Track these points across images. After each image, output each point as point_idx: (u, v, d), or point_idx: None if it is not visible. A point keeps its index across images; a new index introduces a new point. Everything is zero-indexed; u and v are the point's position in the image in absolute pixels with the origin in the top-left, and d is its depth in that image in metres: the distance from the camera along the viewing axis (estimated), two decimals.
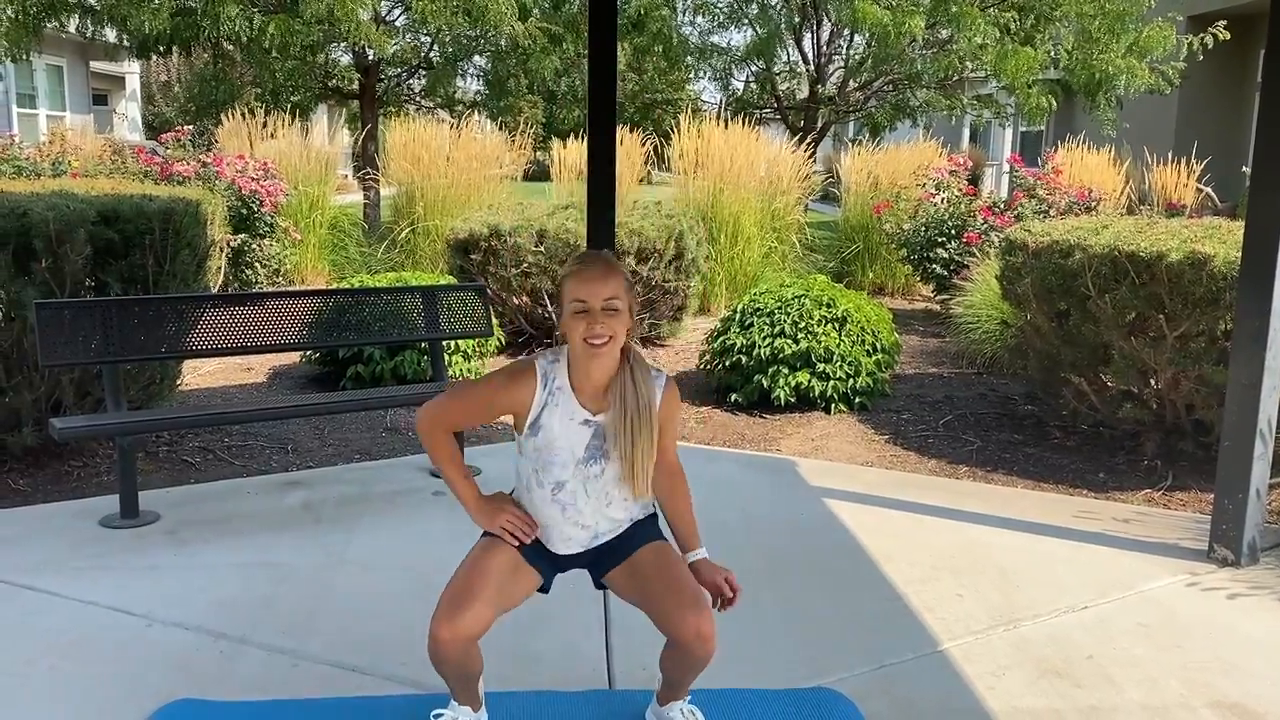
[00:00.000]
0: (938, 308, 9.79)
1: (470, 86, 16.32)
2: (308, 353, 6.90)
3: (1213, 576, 3.78)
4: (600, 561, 2.51)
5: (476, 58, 14.72)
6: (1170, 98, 13.07)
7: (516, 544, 2.43)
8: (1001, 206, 9.76)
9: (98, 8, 12.25)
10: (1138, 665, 3.10)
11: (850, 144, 13.12)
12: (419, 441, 5.46)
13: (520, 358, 2.41)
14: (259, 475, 4.86)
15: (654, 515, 2.56)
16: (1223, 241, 4.71)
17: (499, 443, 5.47)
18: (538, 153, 14.32)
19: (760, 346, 6.16)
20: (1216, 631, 3.33)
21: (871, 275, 11.51)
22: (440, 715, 2.50)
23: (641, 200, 9.07)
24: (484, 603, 2.31)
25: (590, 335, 2.28)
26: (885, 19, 11.68)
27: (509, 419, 2.44)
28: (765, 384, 6.12)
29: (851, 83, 15.14)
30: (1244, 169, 12.81)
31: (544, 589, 2.51)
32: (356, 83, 13.72)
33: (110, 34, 13.35)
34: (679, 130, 10.67)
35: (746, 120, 11.13)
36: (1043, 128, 18.08)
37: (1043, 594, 3.59)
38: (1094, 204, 9.62)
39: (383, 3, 13.78)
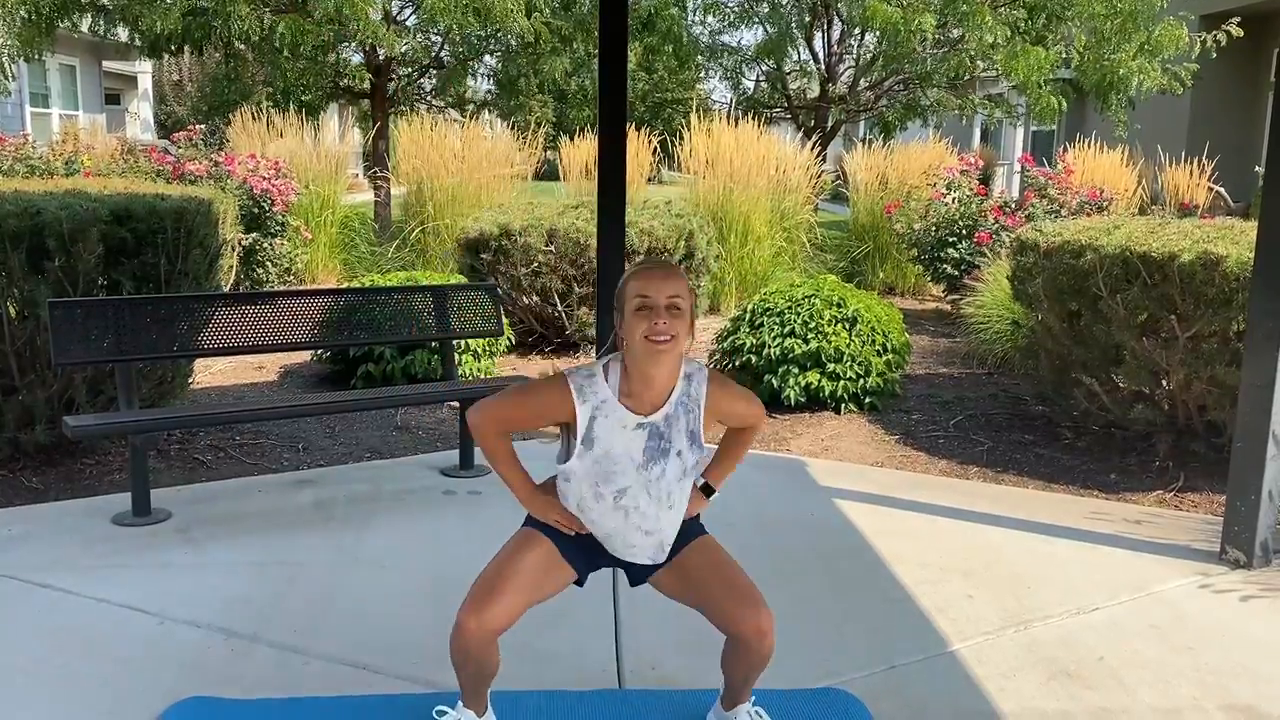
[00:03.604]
0: (948, 308, 9.77)
1: (481, 86, 16.33)
2: (319, 352, 6.92)
3: (1225, 578, 3.77)
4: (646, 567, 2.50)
5: (487, 58, 14.72)
6: (1183, 97, 13.00)
7: (571, 533, 2.43)
8: (1012, 206, 9.73)
9: (110, 7, 12.29)
10: (1149, 667, 3.09)
11: (861, 143, 13.08)
12: (431, 440, 5.49)
13: (549, 375, 2.39)
14: (270, 474, 4.87)
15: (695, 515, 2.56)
16: (1235, 242, 4.69)
17: None
18: (548, 152, 14.34)
19: (770, 346, 6.15)
20: (1228, 634, 3.32)
21: (882, 275, 11.49)
22: (445, 714, 2.51)
23: (651, 200, 9.07)
24: (513, 596, 2.31)
25: (653, 333, 2.23)
26: (896, 17, 11.65)
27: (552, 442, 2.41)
28: (775, 384, 6.11)
29: (862, 82, 15.11)
30: (1257, 169, 12.75)
31: (579, 583, 2.51)
32: (367, 82, 13.74)
33: (122, 33, 13.40)
34: (689, 129, 10.67)
35: (757, 119, 11.11)
36: (1054, 127, 18.02)
37: (1054, 595, 3.58)
38: (1106, 204, 9.58)
39: (393, 2, 13.79)
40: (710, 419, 2.43)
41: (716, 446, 2.62)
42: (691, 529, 2.50)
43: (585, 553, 2.48)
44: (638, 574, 2.53)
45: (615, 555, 2.47)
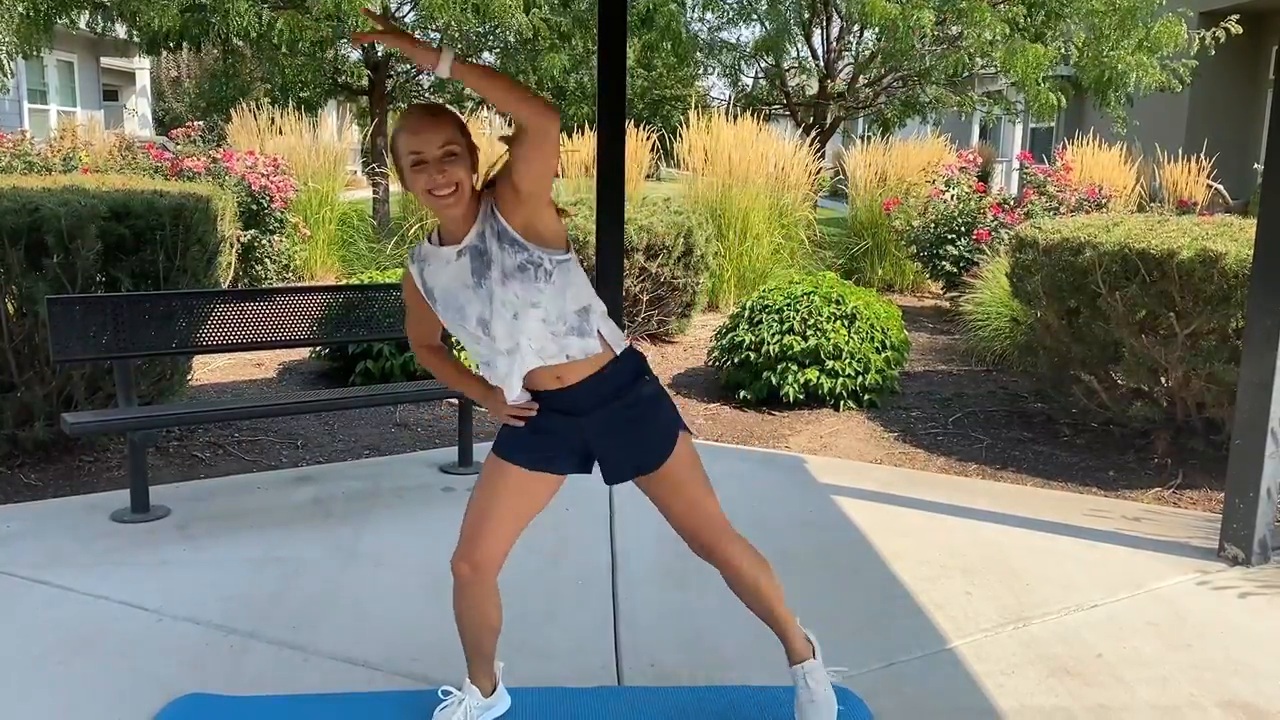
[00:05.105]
0: (947, 305, 9.76)
1: None
2: (317, 349, 6.91)
3: (1223, 575, 3.77)
4: (621, 457, 2.39)
5: (485, 54, 14.71)
6: (1182, 94, 13.00)
7: (522, 423, 2.38)
8: (1011, 203, 9.73)
9: (108, 4, 12.27)
10: (1148, 664, 3.10)
11: (859, 140, 13.09)
12: (430, 437, 5.49)
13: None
14: (269, 470, 4.87)
15: (661, 393, 2.42)
16: (1234, 239, 4.69)
17: None
18: None
19: (769, 343, 6.15)
20: (1227, 630, 3.32)
21: (881, 272, 11.49)
22: (449, 693, 2.55)
23: (650, 197, 9.06)
24: (499, 527, 2.34)
25: (433, 187, 2.15)
26: (894, 14, 11.64)
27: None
28: (774, 381, 6.11)
29: (861, 78, 15.10)
30: (1256, 166, 12.76)
31: (585, 469, 2.44)
32: (366, 79, 13.72)
33: (121, 30, 13.39)
34: (687, 126, 10.66)
35: (755, 116, 11.10)
36: (1053, 124, 18.01)
37: (1052, 592, 3.59)
38: (1104, 201, 9.58)
39: None
40: (509, 197, 2.22)
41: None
42: (668, 425, 2.39)
43: (554, 448, 2.39)
44: (615, 468, 2.42)
45: (537, 390, 2.34)
